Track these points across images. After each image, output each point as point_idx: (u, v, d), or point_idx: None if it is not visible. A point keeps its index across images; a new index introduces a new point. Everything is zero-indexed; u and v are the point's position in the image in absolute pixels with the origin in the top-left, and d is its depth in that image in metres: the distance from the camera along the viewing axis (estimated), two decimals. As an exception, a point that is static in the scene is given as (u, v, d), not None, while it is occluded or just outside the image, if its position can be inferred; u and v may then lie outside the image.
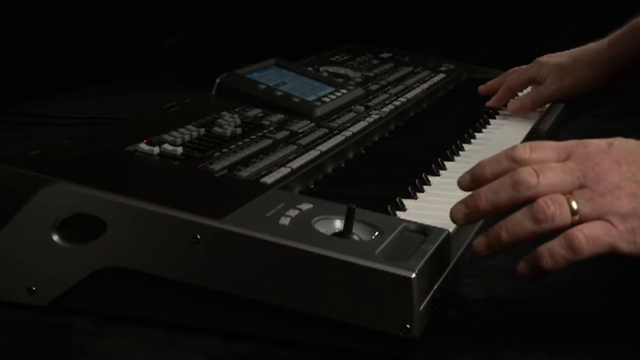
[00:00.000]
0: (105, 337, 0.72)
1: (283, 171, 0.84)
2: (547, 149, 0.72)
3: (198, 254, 0.70)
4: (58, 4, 1.62)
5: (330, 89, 1.14)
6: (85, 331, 0.72)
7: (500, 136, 1.13)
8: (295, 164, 0.87)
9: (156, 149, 0.83)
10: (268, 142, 0.92)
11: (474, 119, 1.17)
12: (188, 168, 0.81)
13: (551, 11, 1.73)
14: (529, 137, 1.11)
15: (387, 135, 1.09)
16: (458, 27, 1.79)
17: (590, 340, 0.71)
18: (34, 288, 0.74)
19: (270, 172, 0.83)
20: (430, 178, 0.92)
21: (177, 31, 1.91)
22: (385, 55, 1.49)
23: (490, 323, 0.74)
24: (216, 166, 0.82)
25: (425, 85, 1.32)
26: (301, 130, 0.98)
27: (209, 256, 0.70)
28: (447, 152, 1.00)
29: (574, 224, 0.67)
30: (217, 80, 1.08)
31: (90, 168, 0.78)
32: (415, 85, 1.30)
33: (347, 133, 1.00)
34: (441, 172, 0.95)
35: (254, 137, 0.93)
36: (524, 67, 1.26)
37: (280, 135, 0.95)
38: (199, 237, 0.69)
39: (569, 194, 0.68)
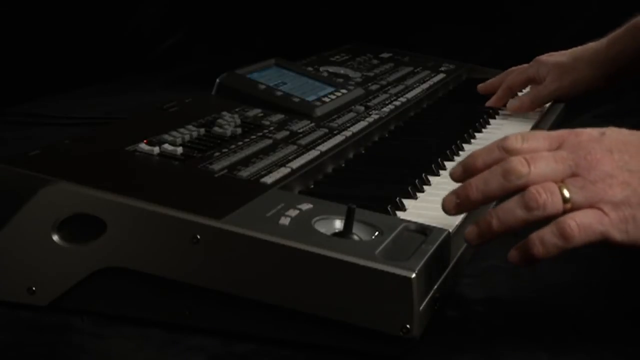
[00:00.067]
0: (105, 337, 0.72)
1: (283, 171, 0.84)
2: (539, 138, 0.71)
3: (198, 254, 0.70)
4: (58, 4, 1.62)
5: (330, 89, 1.14)
6: (85, 331, 0.72)
7: (500, 136, 1.12)
8: (295, 164, 0.87)
9: (156, 149, 0.83)
10: (268, 142, 0.92)
11: (474, 119, 1.17)
12: (188, 168, 0.81)
13: (551, 11, 1.73)
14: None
15: (387, 135, 1.09)
16: (458, 27, 1.79)
17: (590, 340, 0.71)
18: (34, 288, 0.74)
19: (270, 172, 0.83)
20: (430, 178, 0.92)
21: (177, 31, 1.91)
22: (385, 55, 1.48)
23: (490, 323, 0.74)
24: (216, 166, 0.82)
25: (425, 85, 1.32)
26: (301, 130, 0.98)
27: (209, 256, 0.70)
28: (447, 152, 1.00)
29: (565, 212, 0.67)
30: (217, 80, 1.08)
31: (90, 168, 0.78)
32: (415, 85, 1.30)
33: (347, 133, 1.00)
34: (441, 172, 0.95)
35: (254, 137, 0.93)
36: (523, 66, 1.25)
37: (280, 135, 0.95)
38: (199, 237, 0.69)
39: (560, 182, 0.68)
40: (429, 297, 0.68)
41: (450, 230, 0.75)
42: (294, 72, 1.18)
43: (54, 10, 1.62)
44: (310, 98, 1.08)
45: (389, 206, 0.81)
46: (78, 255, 0.73)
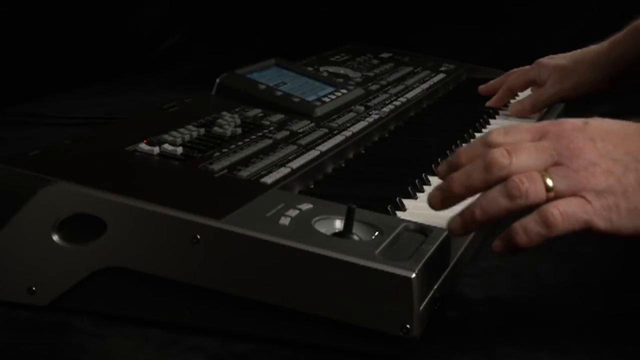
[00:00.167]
0: (105, 337, 0.72)
1: (283, 171, 0.84)
2: (521, 131, 0.71)
3: (198, 254, 0.70)
4: (58, 4, 1.62)
5: (330, 89, 1.14)
6: (85, 331, 0.72)
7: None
8: (295, 164, 0.87)
9: (156, 149, 0.83)
10: (268, 142, 0.92)
11: (474, 119, 1.17)
12: (188, 168, 0.81)
13: (551, 11, 1.74)
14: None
15: (387, 135, 1.09)
16: (458, 27, 1.79)
17: (590, 340, 0.71)
18: (34, 288, 0.74)
19: (270, 172, 0.83)
20: (430, 178, 0.92)
21: (177, 31, 1.91)
22: (385, 55, 1.48)
23: (490, 323, 0.74)
24: (216, 166, 0.82)
25: (425, 85, 1.32)
26: (301, 130, 0.98)
27: (209, 256, 0.70)
28: (447, 152, 1.00)
29: (549, 201, 0.67)
30: (217, 80, 1.08)
31: (90, 168, 0.78)
32: (415, 85, 1.30)
33: (347, 133, 1.00)
34: (441, 172, 0.95)
35: (254, 137, 0.93)
36: (524, 68, 1.26)
37: (280, 135, 0.95)
38: (199, 237, 0.69)
39: (544, 171, 0.67)
40: (429, 297, 0.68)
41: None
42: (294, 72, 1.18)
43: (54, 10, 1.62)
44: (310, 98, 1.08)
45: (389, 206, 0.81)
46: (78, 255, 0.73)
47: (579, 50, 1.21)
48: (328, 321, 0.67)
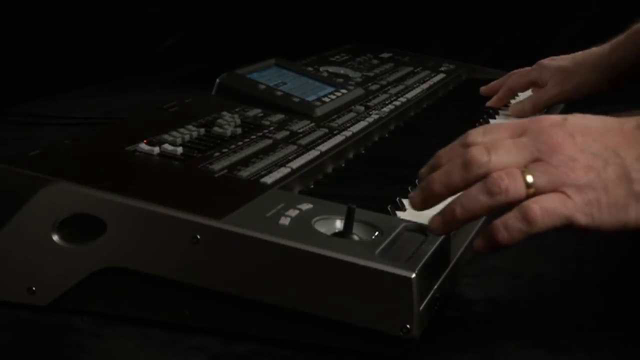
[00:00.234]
0: (105, 337, 0.72)
1: (283, 171, 0.84)
2: (500, 130, 0.70)
3: (198, 254, 0.70)
4: (58, 4, 1.62)
5: (330, 89, 1.14)
6: (85, 331, 0.72)
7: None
8: (295, 164, 0.87)
9: (156, 149, 0.83)
10: (268, 142, 0.92)
11: (474, 119, 1.17)
12: (188, 168, 0.81)
13: (551, 11, 1.74)
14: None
15: (387, 135, 1.09)
16: (458, 27, 1.79)
17: (590, 340, 0.71)
18: (34, 288, 0.74)
19: (270, 172, 0.83)
20: (430, 178, 0.91)
21: (177, 31, 1.91)
22: (385, 55, 1.48)
23: (490, 323, 0.74)
24: (216, 166, 0.82)
25: (425, 85, 1.32)
26: (301, 130, 0.98)
27: (209, 256, 0.70)
28: (447, 152, 1.00)
29: (529, 197, 0.66)
30: (217, 80, 1.08)
31: (90, 168, 0.78)
32: (415, 85, 1.30)
33: (347, 133, 1.00)
34: (441, 172, 0.95)
35: (254, 137, 0.93)
36: (526, 69, 1.26)
37: (280, 135, 0.95)
38: (199, 237, 0.69)
39: (523, 167, 0.67)
40: (429, 297, 0.68)
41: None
42: (294, 72, 1.18)
43: (54, 10, 1.62)
44: (310, 98, 1.08)
45: (389, 206, 0.81)
46: (78, 255, 0.73)
47: (580, 52, 1.21)
48: (328, 321, 0.67)
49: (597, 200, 0.66)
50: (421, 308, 0.66)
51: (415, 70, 1.40)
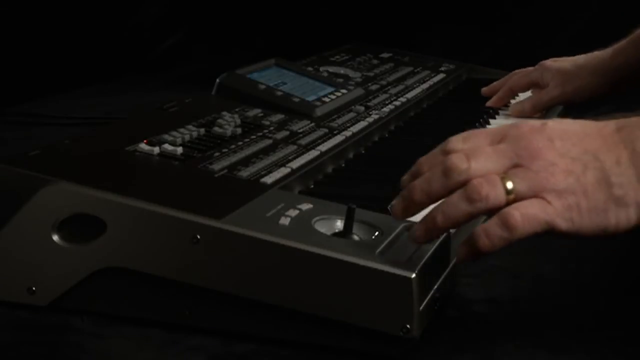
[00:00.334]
0: (105, 337, 0.72)
1: (283, 171, 0.84)
2: (480, 136, 0.70)
3: (198, 254, 0.70)
4: (58, 4, 1.62)
5: (330, 89, 1.14)
6: (85, 331, 0.72)
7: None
8: (295, 164, 0.87)
9: (156, 149, 0.83)
10: (268, 142, 0.92)
11: (474, 119, 1.17)
12: (188, 168, 0.81)
13: (551, 11, 1.73)
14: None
15: (387, 135, 1.09)
16: (458, 27, 1.79)
17: (590, 340, 0.71)
18: (34, 288, 0.74)
19: (270, 172, 0.83)
20: (430, 178, 0.91)
21: (177, 31, 1.91)
22: (385, 55, 1.49)
23: (490, 323, 0.74)
24: (216, 166, 0.82)
25: (425, 85, 1.32)
26: (301, 130, 0.98)
27: (209, 256, 0.70)
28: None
29: (509, 204, 0.66)
30: (217, 80, 1.08)
31: (90, 168, 0.78)
32: (415, 85, 1.30)
33: (347, 133, 1.00)
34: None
35: (254, 137, 0.93)
36: (527, 69, 1.26)
37: (280, 135, 0.95)
38: (199, 237, 0.69)
39: (503, 174, 0.67)
40: (429, 297, 0.68)
41: (451, 230, 0.75)
42: (294, 72, 1.18)
43: (54, 10, 1.62)
44: (310, 98, 1.09)
45: (389, 206, 0.80)
46: (78, 255, 0.73)
47: (582, 55, 1.21)
48: (328, 321, 0.67)
49: (577, 205, 0.66)
50: (421, 308, 0.66)
51: (415, 70, 1.40)
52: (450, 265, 0.74)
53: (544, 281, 0.82)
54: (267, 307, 0.69)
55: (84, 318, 0.74)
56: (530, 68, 1.25)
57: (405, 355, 0.67)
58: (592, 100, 1.21)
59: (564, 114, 1.27)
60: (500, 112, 1.25)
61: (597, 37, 1.20)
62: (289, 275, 0.68)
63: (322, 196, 0.78)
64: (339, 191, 0.84)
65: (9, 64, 1.52)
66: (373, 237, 0.71)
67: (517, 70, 1.28)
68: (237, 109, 1.01)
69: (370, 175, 0.92)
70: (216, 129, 0.92)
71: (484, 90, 1.29)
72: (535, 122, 0.70)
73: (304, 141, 0.94)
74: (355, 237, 0.71)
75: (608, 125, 0.70)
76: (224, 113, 0.98)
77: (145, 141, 0.84)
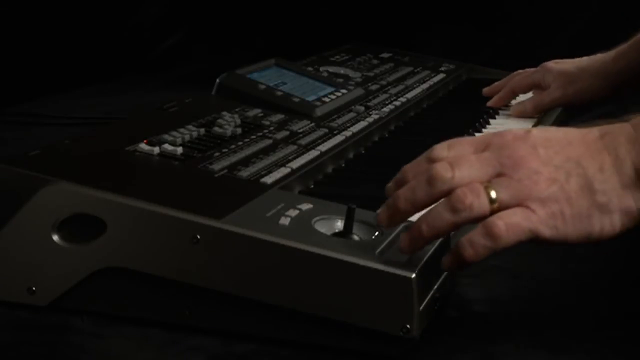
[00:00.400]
0: (105, 337, 0.72)
1: (283, 171, 0.84)
2: (464, 144, 0.71)
3: (198, 254, 0.70)
4: (58, 4, 1.62)
5: (330, 89, 1.14)
6: (85, 331, 0.72)
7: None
8: (295, 164, 0.87)
9: (156, 149, 0.83)
10: (268, 142, 0.92)
11: (474, 119, 1.17)
12: (188, 168, 0.81)
13: (551, 11, 1.73)
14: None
15: (387, 135, 1.09)
16: (458, 27, 1.79)
17: (590, 340, 0.71)
18: (34, 288, 0.74)
19: (270, 172, 0.83)
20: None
21: (177, 31, 1.91)
22: (385, 55, 1.49)
23: (490, 323, 0.74)
24: (216, 166, 0.82)
25: (425, 85, 1.32)
26: (301, 130, 0.98)
27: (209, 256, 0.70)
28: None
29: (493, 213, 0.66)
30: (217, 80, 1.08)
31: (90, 168, 0.78)
32: (415, 85, 1.30)
33: (347, 133, 1.00)
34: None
35: (254, 137, 0.93)
36: (529, 70, 1.26)
37: (280, 135, 0.95)
38: (199, 237, 0.69)
39: (487, 183, 0.67)
40: (429, 297, 0.68)
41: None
42: (294, 72, 1.18)
43: (54, 10, 1.62)
44: (310, 98, 1.09)
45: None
46: (78, 255, 0.73)
47: (584, 58, 1.21)
48: (328, 321, 0.67)
49: (561, 213, 0.66)
50: (421, 308, 0.66)
51: (415, 70, 1.40)
52: (450, 265, 0.74)
53: (544, 281, 0.82)
54: (267, 307, 0.69)
55: (84, 318, 0.74)
56: (532, 69, 1.25)
57: (405, 355, 0.67)
58: (593, 103, 1.21)
59: (564, 116, 1.27)
60: (500, 112, 1.25)
61: (597, 37, 1.20)
62: (289, 275, 0.68)
63: (322, 196, 0.78)
64: (339, 191, 0.84)
65: (9, 64, 1.52)
66: (373, 237, 0.71)
67: (518, 71, 1.28)
68: (237, 109, 1.01)
69: (370, 175, 0.92)
70: (216, 129, 0.92)
71: (485, 90, 1.29)
72: (519, 131, 0.70)
73: (304, 141, 0.94)
74: (355, 237, 0.71)
75: (591, 132, 0.70)
76: (224, 113, 0.98)
77: (145, 141, 0.84)
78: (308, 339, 0.69)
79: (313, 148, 0.93)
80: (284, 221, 0.71)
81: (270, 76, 1.13)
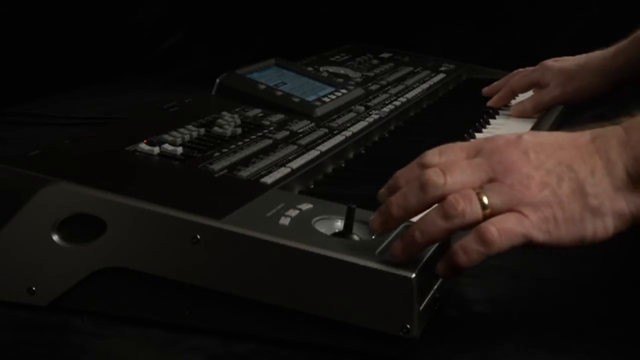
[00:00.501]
0: (105, 337, 0.72)
1: (283, 171, 0.84)
2: (456, 150, 0.71)
3: (198, 254, 0.70)
4: (58, 4, 1.62)
5: (330, 89, 1.14)
6: (85, 331, 0.72)
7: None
8: (295, 164, 0.87)
9: (156, 149, 0.83)
10: (268, 142, 0.92)
11: (474, 119, 1.17)
12: (188, 168, 0.81)
13: (551, 11, 1.73)
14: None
15: (387, 135, 1.09)
16: (458, 27, 1.79)
17: (590, 340, 0.71)
18: (34, 288, 0.74)
19: (270, 172, 0.83)
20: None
21: (177, 31, 1.91)
22: (385, 55, 1.49)
23: (490, 323, 0.74)
24: (216, 166, 0.82)
25: (425, 85, 1.32)
26: (301, 130, 0.98)
27: (209, 256, 0.70)
28: (447, 152, 1.00)
29: (486, 218, 0.66)
30: (217, 80, 1.08)
31: (90, 168, 0.78)
32: (415, 85, 1.30)
33: (347, 133, 1.00)
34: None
35: (254, 137, 0.93)
36: (528, 69, 1.26)
37: (280, 135, 0.95)
38: (199, 237, 0.69)
39: (479, 188, 0.67)
40: (429, 297, 0.68)
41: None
42: (294, 72, 1.18)
43: (54, 10, 1.62)
44: (310, 98, 1.09)
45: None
46: (78, 255, 0.73)
47: (583, 55, 1.21)
48: (328, 321, 0.67)
49: (553, 217, 0.66)
50: (421, 308, 0.66)
51: (415, 70, 1.40)
52: (450, 265, 0.74)
53: (544, 281, 0.82)
54: (267, 307, 0.69)
55: (84, 318, 0.74)
56: (531, 68, 1.25)
57: (405, 355, 0.67)
58: (593, 100, 1.21)
59: (564, 114, 1.27)
60: (500, 112, 1.25)
61: (597, 37, 1.20)
62: (289, 275, 0.68)
63: (322, 196, 0.78)
64: (339, 191, 0.84)
65: (9, 64, 1.52)
66: (373, 237, 0.71)
67: (517, 70, 1.28)
68: (237, 109, 1.01)
69: (370, 175, 0.92)
70: (216, 129, 0.92)
71: (485, 90, 1.29)
72: (510, 136, 0.70)
73: (304, 141, 0.94)
74: (355, 237, 0.71)
75: (583, 136, 0.70)
76: (224, 113, 0.98)
77: (145, 141, 0.84)
78: (308, 339, 0.69)
79: (313, 148, 0.93)
80: (284, 221, 0.71)
81: (270, 76, 1.13)
